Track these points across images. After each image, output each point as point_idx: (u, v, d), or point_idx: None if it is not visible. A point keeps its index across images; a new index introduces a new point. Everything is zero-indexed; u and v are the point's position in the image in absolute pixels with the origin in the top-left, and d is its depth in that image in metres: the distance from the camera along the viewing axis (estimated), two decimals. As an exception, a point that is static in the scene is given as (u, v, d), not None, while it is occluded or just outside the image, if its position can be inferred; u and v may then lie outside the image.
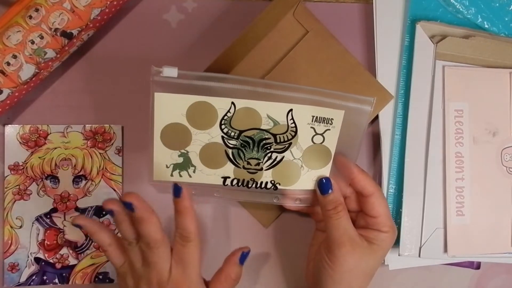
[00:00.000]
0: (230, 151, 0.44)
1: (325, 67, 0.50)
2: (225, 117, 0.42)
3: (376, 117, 0.53)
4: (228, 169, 0.44)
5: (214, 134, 0.43)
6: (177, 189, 0.41)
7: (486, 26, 0.53)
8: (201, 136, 0.43)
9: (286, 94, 0.42)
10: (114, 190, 0.53)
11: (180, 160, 0.44)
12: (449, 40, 0.51)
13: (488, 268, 0.55)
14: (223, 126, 0.43)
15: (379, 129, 0.53)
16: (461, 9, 0.53)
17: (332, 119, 0.43)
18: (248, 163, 0.44)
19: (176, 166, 0.44)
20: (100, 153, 0.53)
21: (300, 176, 0.45)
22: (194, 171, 0.44)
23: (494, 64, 0.53)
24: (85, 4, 0.47)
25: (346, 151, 0.45)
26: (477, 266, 0.54)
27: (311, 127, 0.43)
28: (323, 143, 0.44)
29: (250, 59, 0.49)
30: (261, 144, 0.44)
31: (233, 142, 0.43)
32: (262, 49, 0.49)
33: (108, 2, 0.48)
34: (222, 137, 0.43)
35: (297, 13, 0.49)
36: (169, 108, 0.42)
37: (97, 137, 0.53)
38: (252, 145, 0.43)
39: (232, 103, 0.42)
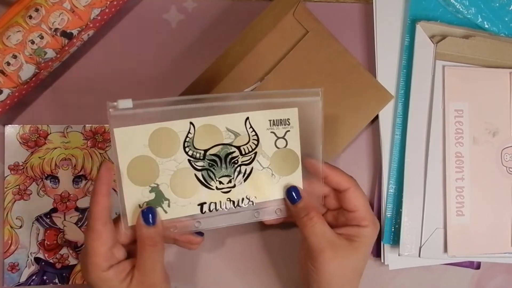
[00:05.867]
0: (200, 173, 0.43)
1: (325, 67, 0.50)
2: (187, 139, 0.42)
3: (376, 117, 0.53)
4: (202, 194, 0.43)
5: (180, 160, 0.42)
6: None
7: (486, 26, 0.53)
8: (168, 165, 0.42)
9: (239, 103, 0.42)
10: (114, 190, 0.53)
11: (152, 196, 0.42)
12: (449, 40, 0.51)
13: (488, 268, 0.55)
14: (187, 149, 0.42)
15: (379, 129, 0.53)
16: (461, 9, 0.53)
17: (289, 119, 0.43)
18: (220, 183, 0.43)
19: (149, 204, 0.42)
20: (100, 153, 0.53)
21: (273, 185, 0.44)
22: (168, 205, 0.42)
23: (494, 64, 0.53)
24: (85, 4, 0.47)
25: (311, 150, 0.44)
26: (477, 266, 0.54)
27: (271, 132, 0.43)
28: (287, 147, 0.44)
29: (250, 59, 0.49)
30: (228, 159, 0.43)
31: (200, 163, 0.42)
32: (262, 49, 0.49)
33: (108, 2, 0.48)
34: (189, 160, 0.42)
35: (297, 13, 0.49)
36: (131, 141, 0.40)
37: (97, 137, 0.53)
38: (219, 163, 0.43)
39: (191, 123, 0.41)
